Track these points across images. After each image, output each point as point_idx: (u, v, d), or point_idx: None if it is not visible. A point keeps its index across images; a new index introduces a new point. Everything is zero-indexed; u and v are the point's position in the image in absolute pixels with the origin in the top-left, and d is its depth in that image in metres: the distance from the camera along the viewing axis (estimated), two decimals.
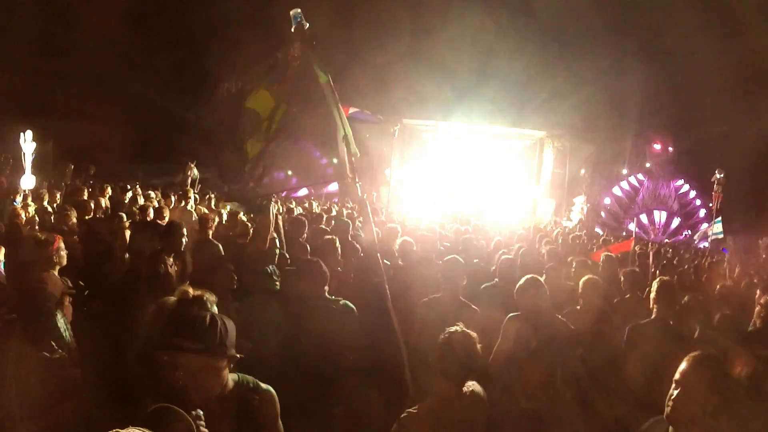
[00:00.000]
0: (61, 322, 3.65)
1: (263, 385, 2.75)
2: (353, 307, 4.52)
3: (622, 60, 28.61)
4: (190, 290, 3.28)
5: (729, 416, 2.62)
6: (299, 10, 4.27)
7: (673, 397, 2.69)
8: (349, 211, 13.47)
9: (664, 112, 32.45)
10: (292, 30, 4.30)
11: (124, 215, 7.69)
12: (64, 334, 3.62)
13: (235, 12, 24.72)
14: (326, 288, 4.49)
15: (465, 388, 3.27)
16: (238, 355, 2.54)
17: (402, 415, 3.12)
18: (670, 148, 35.59)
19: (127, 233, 6.86)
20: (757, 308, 5.11)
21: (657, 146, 35.59)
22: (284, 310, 4.46)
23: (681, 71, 27.64)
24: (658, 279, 5.08)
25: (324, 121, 4.20)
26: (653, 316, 4.78)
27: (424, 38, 26.90)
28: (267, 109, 4.41)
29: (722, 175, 15.86)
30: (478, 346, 3.31)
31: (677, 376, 2.73)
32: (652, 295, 4.88)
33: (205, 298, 3.25)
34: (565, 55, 28.57)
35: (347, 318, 4.44)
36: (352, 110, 11.94)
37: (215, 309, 3.23)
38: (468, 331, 3.33)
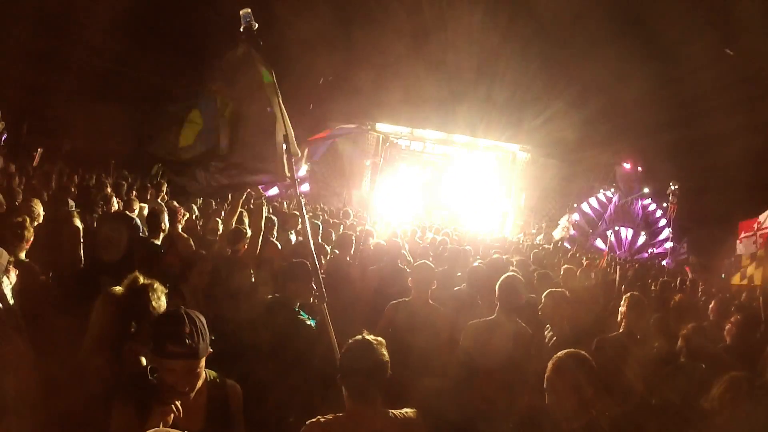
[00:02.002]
0: (7, 290, 3.59)
1: (228, 381, 2.84)
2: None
3: (596, 77, 29.01)
4: (141, 278, 3.26)
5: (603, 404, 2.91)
6: (249, 10, 4.24)
7: (549, 402, 2.93)
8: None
9: (635, 133, 33.04)
10: (241, 30, 4.26)
11: (72, 202, 7.52)
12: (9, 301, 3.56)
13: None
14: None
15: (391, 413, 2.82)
16: (210, 350, 2.62)
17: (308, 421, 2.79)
18: (639, 168, 36.21)
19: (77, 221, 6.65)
20: (728, 326, 5.16)
21: (626, 165, 36.16)
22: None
23: (651, 89, 28.05)
24: (629, 294, 5.12)
25: (262, 121, 4.16)
26: (621, 330, 4.82)
27: (400, 47, 26.93)
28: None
29: (676, 187, 16.45)
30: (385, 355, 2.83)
31: (545, 384, 2.96)
32: (622, 309, 4.92)
33: (155, 287, 3.24)
34: (541, 70, 28.86)
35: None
36: (335, 129, 11.95)
37: (164, 300, 3.26)
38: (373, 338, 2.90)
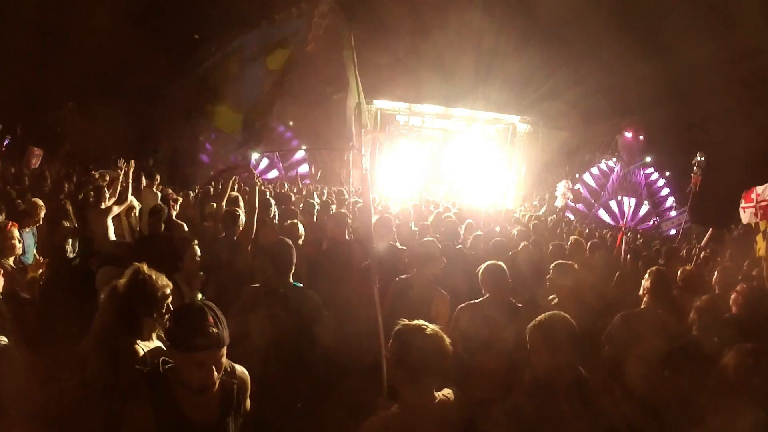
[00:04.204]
0: None
1: (238, 367, 2.81)
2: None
3: (597, 47, 28.67)
4: (144, 267, 3.19)
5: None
6: None
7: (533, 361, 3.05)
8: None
9: (637, 100, 32.74)
10: None
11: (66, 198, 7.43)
12: None
13: None
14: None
15: (437, 396, 2.77)
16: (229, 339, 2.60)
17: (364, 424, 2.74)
18: (641, 137, 35.97)
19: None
20: (734, 295, 5.07)
21: (628, 134, 35.91)
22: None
23: (655, 59, 27.76)
24: (654, 268, 5.01)
25: (330, 79, 3.99)
26: (643, 305, 4.75)
27: (397, 21, 26.57)
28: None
29: (703, 158, 15.98)
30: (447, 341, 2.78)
31: (528, 345, 3.07)
32: (645, 284, 4.82)
33: (158, 277, 3.19)
34: (539, 40, 28.51)
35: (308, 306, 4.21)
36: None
37: (169, 290, 3.21)
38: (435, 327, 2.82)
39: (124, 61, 23.57)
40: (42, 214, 6.30)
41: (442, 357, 2.70)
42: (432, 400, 2.72)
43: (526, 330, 3.12)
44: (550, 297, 5.35)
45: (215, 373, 2.48)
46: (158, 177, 10.47)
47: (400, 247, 6.16)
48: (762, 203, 8.32)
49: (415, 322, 2.79)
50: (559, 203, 30.02)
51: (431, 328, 2.76)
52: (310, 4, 4.21)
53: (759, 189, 8.49)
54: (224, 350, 2.53)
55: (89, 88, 22.61)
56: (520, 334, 4.06)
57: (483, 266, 4.64)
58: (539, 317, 3.12)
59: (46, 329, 4.25)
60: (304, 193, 12.50)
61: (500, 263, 4.65)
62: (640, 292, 4.90)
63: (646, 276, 4.88)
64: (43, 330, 4.23)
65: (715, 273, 6.40)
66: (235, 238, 5.81)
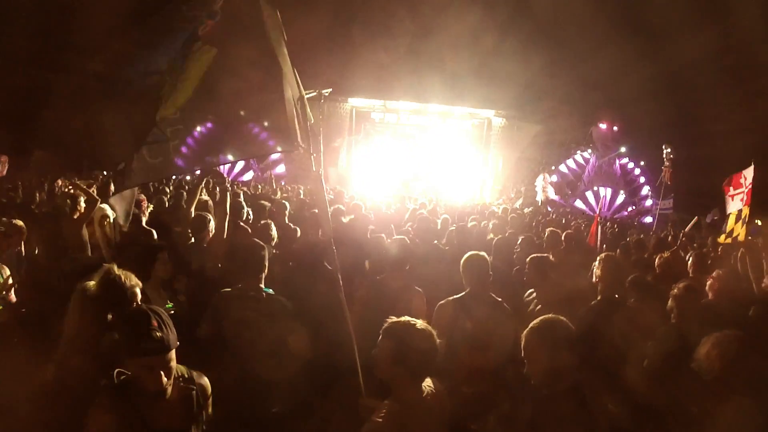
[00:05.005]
0: None
1: (196, 373, 2.82)
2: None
3: (570, 40, 28.84)
4: (114, 269, 3.20)
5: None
6: None
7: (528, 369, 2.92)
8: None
9: (610, 91, 33.01)
10: None
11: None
12: None
13: None
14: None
15: (425, 388, 2.86)
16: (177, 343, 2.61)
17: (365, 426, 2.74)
18: (615, 128, 36.29)
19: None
20: (710, 281, 5.06)
21: (602, 125, 36.21)
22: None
23: (629, 52, 27.99)
24: (603, 255, 4.96)
25: (263, 72, 3.50)
26: (599, 294, 4.67)
27: (370, 18, 26.47)
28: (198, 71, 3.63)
29: (669, 150, 16.39)
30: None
31: (522, 352, 2.94)
32: (597, 271, 4.76)
33: (129, 276, 3.21)
34: (512, 35, 28.56)
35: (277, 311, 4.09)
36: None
37: (138, 290, 3.23)
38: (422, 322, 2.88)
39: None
40: (24, 237, 6.11)
41: (436, 353, 2.79)
42: (422, 393, 2.80)
43: (522, 336, 3.00)
44: (529, 291, 5.29)
45: (164, 378, 2.50)
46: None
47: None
48: (749, 188, 8.35)
49: (404, 318, 2.84)
50: (539, 197, 30.13)
51: (420, 323, 2.82)
52: None
53: (746, 173, 8.51)
54: (172, 354, 2.55)
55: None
56: (501, 328, 4.02)
57: (464, 258, 4.53)
58: (535, 322, 2.99)
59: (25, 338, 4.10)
60: (279, 195, 12.32)
61: (482, 254, 4.54)
62: (593, 279, 4.84)
63: (597, 263, 4.82)
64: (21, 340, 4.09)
65: (690, 259, 6.43)
66: (205, 244, 5.66)
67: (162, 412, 2.57)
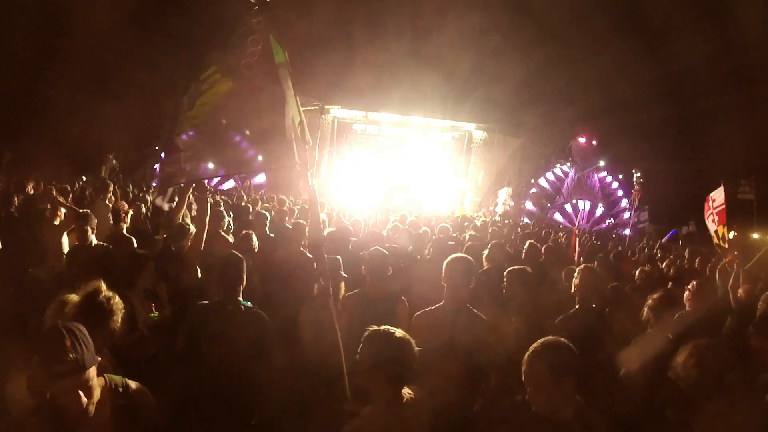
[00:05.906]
0: None
1: (132, 384, 2.76)
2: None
3: (550, 55, 29.23)
4: (102, 287, 3.09)
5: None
6: None
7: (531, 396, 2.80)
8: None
9: (589, 107, 33.50)
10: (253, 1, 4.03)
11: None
12: None
13: None
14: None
15: (405, 395, 2.88)
16: (99, 359, 2.53)
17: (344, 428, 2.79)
18: (594, 142, 36.76)
19: None
20: (686, 292, 5.14)
21: (582, 139, 36.64)
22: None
23: (605, 67, 28.47)
24: (581, 266, 5.01)
25: (270, 104, 3.95)
26: (576, 304, 4.71)
27: (353, 29, 26.59)
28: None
29: (639, 174, 17.01)
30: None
31: (524, 378, 2.82)
32: (575, 281, 4.80)
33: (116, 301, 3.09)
34: (493, 49, 28.86)
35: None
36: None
37: (120, 316, 3.09)
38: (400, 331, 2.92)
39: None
40: None
41: (414, 360, 2.83)
42: (402, 400, 2.85)
43: (523, 361, 2.86)
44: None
45: (83, 398, 2.40)
46: (111, 188, 10.07)
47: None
48: (717, 209, 8.50)
49: (384, 327, 2.91)
50: (499, 210, 30.26)
51: (399, 332, 2.89)
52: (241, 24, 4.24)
53: (713, 195, 8.68)
54: (90, 372, 2.43)
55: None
56: (478, 338, 4.01)
57: (447, 260, 4.46)
58: (535, 345, 2.86)
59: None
60: (258, 207, 12.23)
61: (466, 257, 4.49)
62: (572, 291, 4.88)
63: (576, 274, 4.87)
64: None
65: (668, 268, 6.52)
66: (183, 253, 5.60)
67: (93, 430, 2.49)
